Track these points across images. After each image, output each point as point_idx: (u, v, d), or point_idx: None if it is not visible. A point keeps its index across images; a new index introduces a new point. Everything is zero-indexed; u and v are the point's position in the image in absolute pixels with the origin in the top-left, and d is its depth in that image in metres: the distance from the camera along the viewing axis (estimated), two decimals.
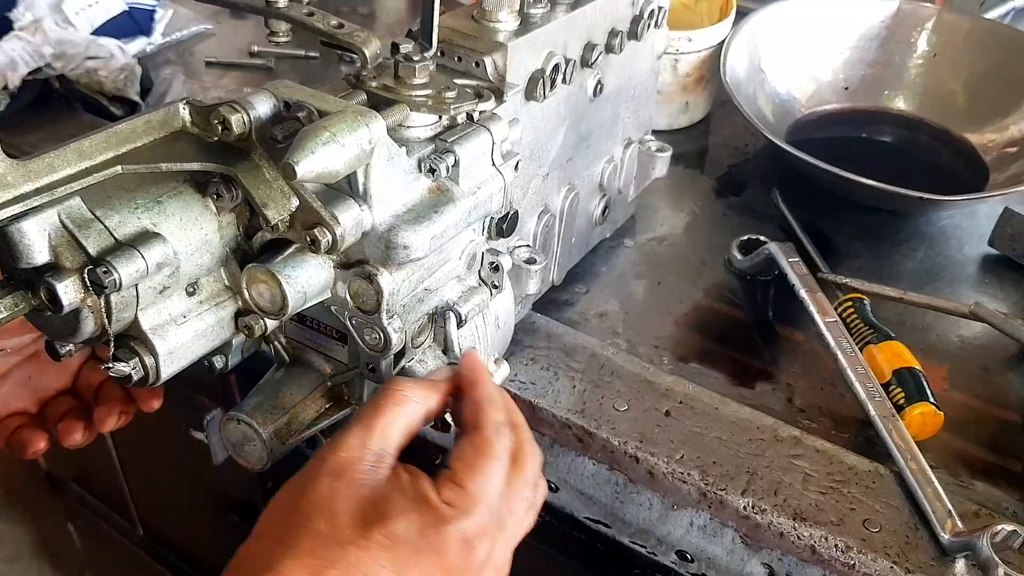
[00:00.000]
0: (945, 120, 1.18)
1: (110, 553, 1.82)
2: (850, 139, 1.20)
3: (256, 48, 1.30)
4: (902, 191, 0.94)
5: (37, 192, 0.50)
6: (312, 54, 1.30)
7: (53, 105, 1.14)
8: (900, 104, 1.21)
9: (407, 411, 0.55)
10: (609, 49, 0.80)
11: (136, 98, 1.15)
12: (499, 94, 0.66)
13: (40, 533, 2.19)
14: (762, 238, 0.95)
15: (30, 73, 1.09)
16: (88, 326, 0.53)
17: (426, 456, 0.58)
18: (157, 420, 1.32)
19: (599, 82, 0.80)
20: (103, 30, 1.19)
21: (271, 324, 0.61)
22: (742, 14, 1.18)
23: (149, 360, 0.57)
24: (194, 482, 1.38)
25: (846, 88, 1.22)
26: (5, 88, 1.08)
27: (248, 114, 0.55)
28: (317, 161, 0.50)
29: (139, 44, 1.23)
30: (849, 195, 1.03)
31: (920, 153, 1.18)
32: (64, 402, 0.73)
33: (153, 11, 1.27)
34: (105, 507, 1.73)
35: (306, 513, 0.50)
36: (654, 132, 1.00)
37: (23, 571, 2.15)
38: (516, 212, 0.68)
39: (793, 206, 1.03)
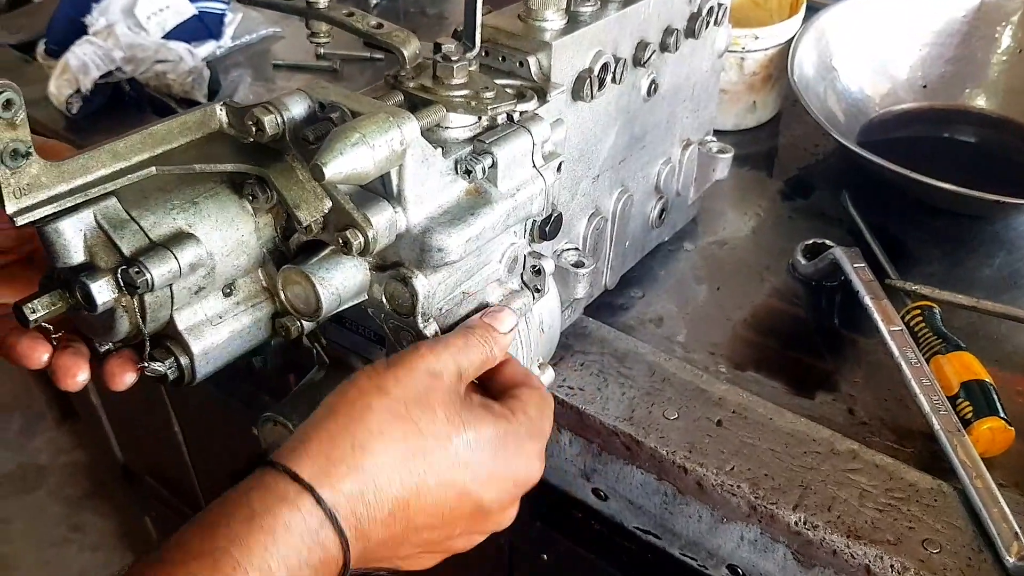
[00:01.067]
0: None
1: None
2: (928, 139, 1.15)
3: (323, 51, 1.30)
4: (977, 194, 0.89)
5: (71, 193, 0.50)
6: (377, 55, 1.30)
7: (124, 108, 1.16)
8: (982, 103, 1.16)
9: (486, 350, 0.60)
10: (664, 47, 0.78)
11: (203, 100, 1.16)
12: (542, 94, 0.64)
13: (121, 524, 2.25)
14: (827, 242, 0.91)
15: (101, 76, 1.12)
16: (123, 325, 0.54)
17: None
18: (224, 416, 1.34)
19: (653, 81, 0.78)
20: (174, 34, 1.21)
21: (308, 326, 0.61)
22: (813, 10, 1.14)
23: (184, 360, 0.57)
24: None
25: (924, 86, 1.17)
26: (78, 91, 1.11)
27: (282, 115, 0.54)
28: (346, 162, 0.50)
29: (209, 47, 1.25)
30: (924, 198, 0.99)
31: (1003, 154, 1.13)
32: None
33: (223, 15, 1.29)
34: (177, 500, 1.76)
35: (404, 402, 0.53)
36: (720, 133, 0.98)
37: (105, 560, 2.22)
38: (560, 215, 0.66)
39: (864, 210, 0.99)
